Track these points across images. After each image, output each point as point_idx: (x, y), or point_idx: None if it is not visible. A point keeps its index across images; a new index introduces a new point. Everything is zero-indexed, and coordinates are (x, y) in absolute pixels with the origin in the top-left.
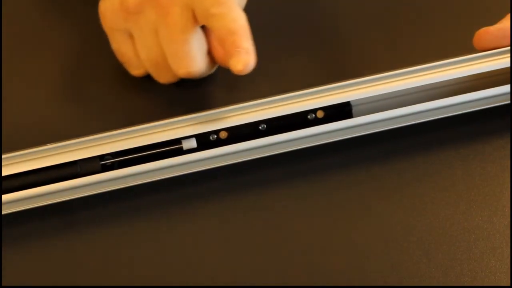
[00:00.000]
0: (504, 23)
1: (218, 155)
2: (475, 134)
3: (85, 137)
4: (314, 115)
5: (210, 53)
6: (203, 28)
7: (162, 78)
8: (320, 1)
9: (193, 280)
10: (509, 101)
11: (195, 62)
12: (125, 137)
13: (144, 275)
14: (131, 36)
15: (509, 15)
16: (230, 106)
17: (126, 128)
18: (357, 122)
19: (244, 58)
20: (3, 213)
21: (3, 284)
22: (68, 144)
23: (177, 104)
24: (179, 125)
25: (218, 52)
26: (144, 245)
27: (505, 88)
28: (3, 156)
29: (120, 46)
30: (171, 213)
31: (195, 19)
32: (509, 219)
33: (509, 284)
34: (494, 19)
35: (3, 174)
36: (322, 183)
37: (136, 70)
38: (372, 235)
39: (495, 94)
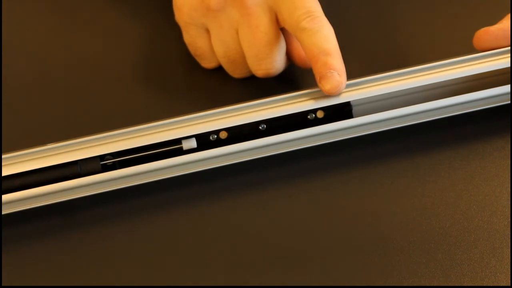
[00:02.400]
0: (504, 23)
1: (218, 155)
2: (475, 134)
3: (85, 137)
4: (314, 115)
5: (287, 53)
6: (282, 28)
7: (237, 74)
8: (321, 2)
9: (194, 280)
10: (509, 101)
11: (275, 63)
12: (125, 137)
13: (144, 275)
14: (206, 31)
15: (509, 15)
16: (230, 106)
17: (126, 128)
18: (357, 122)
19: (336, 80)
20: (3, 213)
21: (3, 284)
22: (68, 144)
23: (178, 104)
24: (179, 125)
25: (298, 54)
26: (145, 245)
27: (505, 88)
28: (3, 156)
29: (195, 40)
30: (171, 213)
31: (277, 21)
32: (509, 219)
33: (509, 284)
34: (494, 19)
35: (3, 174)
36: (322, 183)
37: (209, 64)
38: (372, 235)
39: (495, 94)
